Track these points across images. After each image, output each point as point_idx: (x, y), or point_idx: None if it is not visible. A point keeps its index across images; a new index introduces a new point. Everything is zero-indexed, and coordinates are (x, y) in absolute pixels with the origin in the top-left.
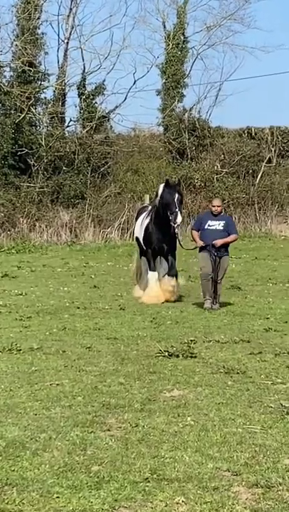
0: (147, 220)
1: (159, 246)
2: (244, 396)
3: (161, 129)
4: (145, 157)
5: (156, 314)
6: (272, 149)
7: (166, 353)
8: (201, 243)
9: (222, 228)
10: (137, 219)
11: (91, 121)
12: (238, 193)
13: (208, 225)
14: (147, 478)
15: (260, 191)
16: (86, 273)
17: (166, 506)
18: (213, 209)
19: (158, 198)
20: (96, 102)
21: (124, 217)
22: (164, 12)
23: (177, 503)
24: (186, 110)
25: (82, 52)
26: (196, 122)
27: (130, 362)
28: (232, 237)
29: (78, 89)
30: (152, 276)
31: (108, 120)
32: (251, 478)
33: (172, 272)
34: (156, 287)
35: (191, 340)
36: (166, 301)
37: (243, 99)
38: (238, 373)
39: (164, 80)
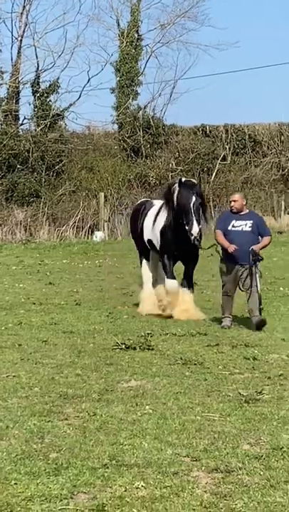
0: (162, 221)
1: (177, 253)
2: (202, 386)
3: (116, 127)
4: (100, 155)
5: (113, 309)
6: (227, 147)
7: (123, 346)
8: (232, 248)
9: (250, 229)
10: (137, 216)
11: (45, 119)
12: None
13: (233, 226)
14: (106, 465)
15: (215, 189)
16: (41, 270)
17: (125, 491)
18: (231, 205)
19: (173, 199)
20: (50, 100)
21: (79, 215)
22: (118, 10)
23: (137, 488)
24: (140, 108)
25: (35, 49)
26: (151, 120)
27: (87, 354)
28: (267, 239)
29: (32, 86)
30: (172, 285)
31: (62, 118)
32: (211, 464)
33: (189, 284)
34: (178, 298)
35: (148, 334)
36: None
37: (198, 97)
38: (195, 364)
39: (118, 78)
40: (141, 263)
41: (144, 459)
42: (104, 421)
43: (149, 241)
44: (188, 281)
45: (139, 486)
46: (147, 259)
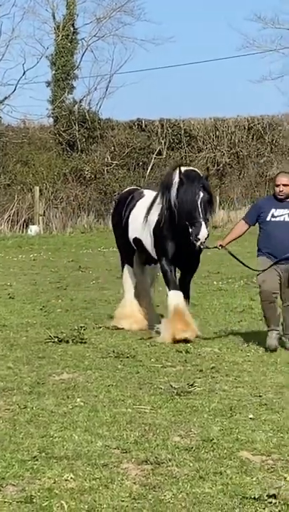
0: (155, 216)
1: (177, 255)
2: (134, 378)
3: (51, 120)
4: (35, 149)
5: (47, 303)
6: (162, 141)
7: (56, 339)
8: (218, 243)
9: None
10: (121, 207)
11: None
12: (129, 185)
13: (273, 216)
14: (35, 457)
15: (150, 183)
16: None
17: (54, 483)
18: (278, 190)
19: (171, 194)
20: None
21: (13, 209)
22: (54, 3)
23: (66, 480)
24: (76, 102)
25: None
26: (86, 114)
27: (19, 348)
28: None
29: None
30: (177, 297)
31: None
32: (141, 455)
33: (186, 293)
34: (185, 316)
35: (81, 327)
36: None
37: (134, 91)
38: (128, 357)
39: (53, 72)
40: (122, 268)
41: (73, 451)
42: (34, 413)
43: (137, 241)
44: (186, 289)
45: (68, 478)
46: (130, 265)
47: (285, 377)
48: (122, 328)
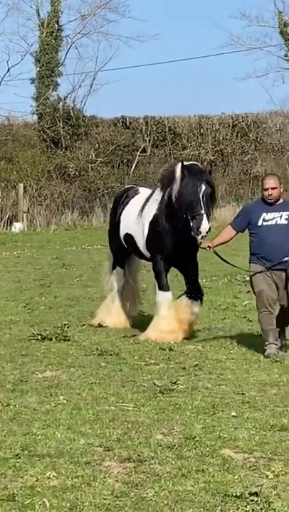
0: (153, 209)
1: (173, 253)
2: (117, 376)
3: (36, 117)
4: (19, 146)
5: (30, 300)
6: (147, 139)
7: (40, 337)
8: (206, 246)
9: (286, 222)
10: (116, 206)
11: None
12: (113, 182)
13: (264, 220)
14: (18, 455)
15: (134, 180)
16: None
17: (36, 481)
18: (266, 194)
19: (173, 188)
20: None
21: None
22: (38, 0)
23: (48, 478)
24: (60, 99)
25: None
26: (71, 111)
27: (2, 345)
28: None
29: None
30: (164, 299)
31: None
32: (123, 453)
33: (195, 293)
34: (170, 318)
35: (65, 324)
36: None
37: (118, 88)
38: (111, 355)
39: (38, 68)
40: (113, 269)
41: (56, 449)
42: (17, 411)
43: (128, 237)
44: (194, 289)
45: (51, 476)
46: (121, 266)
47: (268, 375)
48: (106, 326)
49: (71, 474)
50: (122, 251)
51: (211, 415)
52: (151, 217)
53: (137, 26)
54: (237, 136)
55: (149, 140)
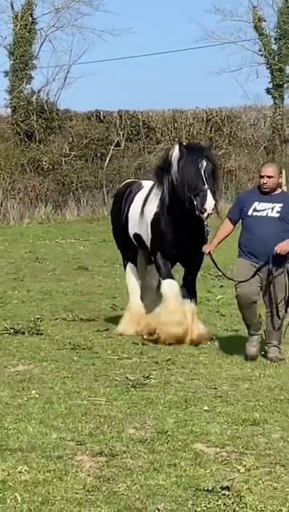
0: (154, 207)
1: (176, 251)
2: (90, 370)
3: (9, 110)
4: None
5: (3, 294)
6: (121, 133)
7: (12, 331)
8: (207, 250)
9: (277, 215)
10: (121, 202)
11: None
12: (87, 176)
13: (255, 210)
14: None
15: (108, 174)
16: None
17: (8, 475)
18: (262, 182)
19: (172, 170)
20: None
21: None
22: None
23: (20, 472)
24: (34, 92)
25: None
26: (45, 104)
27: None
28: None
29: None
30: (170, 286)
31: None
32: (95, 447)
33: (189, 293)
34: (178, 306)
35: (38, 318)
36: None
37: (92, 82)
38: (84, 349)
39: (11, 61)
40: (125, 268)
41: (28, 444)
42: None
43: (137, 236)
44: (188, 289)
45: (23, 470)
46: (134, 263)
47: (240, 370)
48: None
49: (43, 468)
50: (132, 247)
51: (183, 409)
52: (152, 215)
53: (111, 20)
54: (211, 130)
55: (123, 134)
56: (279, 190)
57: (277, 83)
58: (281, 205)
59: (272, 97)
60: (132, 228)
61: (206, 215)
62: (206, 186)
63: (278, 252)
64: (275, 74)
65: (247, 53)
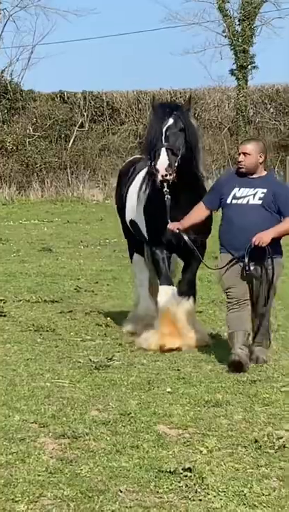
0: (147, 189)
1: (172, 237)
2: (53, 352)
3: None
4: None
5: None
6: (85, 114)
7: None
8: (171, 227)
9: (260, 202)
10: (121, 183)
11: None
12: (51, 157)
13: (234, 197)
14: None
15: (72, 155)
16: None
17: None
18: (239, 158)
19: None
20: None
21: None
22: None
23: None
24: None
25: None
26: (8, 85)
27: None
28: (287, 223)
29: None
30: (167, 295)
31: None
32: (58, 430)
33: (187, 289)
34: (170, 323)
35: (1, 300)
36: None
37: (56, 63)
38: (47, 331)
39: None
40: (131, 259)
41: None
42: None
43: (133, 224)
44: (186, 285)
45: None
46: (140, 253)
47: (203, 352)
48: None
49: (5, 451)
50: (134, 237)
51: (146, 391)
52: (145, 199)
53: (75, 0)
54: None
55: (87, 115)
56: (264, 173)
57: (240, 64)
58: (264, 190)
59: (236, 79)
60: (129, 214)
61: (159, 177)
62: (163, 145)
63: (256, 243)
64: (238, 55)
65: (211, 34)
